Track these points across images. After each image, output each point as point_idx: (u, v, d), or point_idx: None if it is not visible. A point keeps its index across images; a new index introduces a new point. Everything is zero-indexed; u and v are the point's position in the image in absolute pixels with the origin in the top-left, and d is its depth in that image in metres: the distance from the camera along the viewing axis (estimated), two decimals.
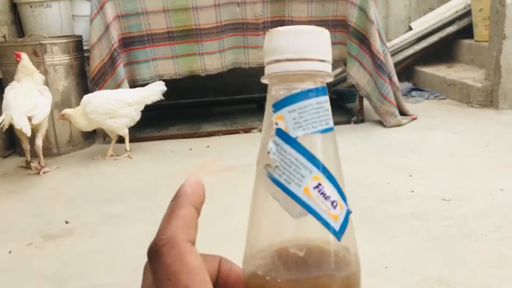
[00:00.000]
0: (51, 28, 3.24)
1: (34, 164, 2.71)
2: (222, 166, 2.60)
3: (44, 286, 1.59)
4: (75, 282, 1.60)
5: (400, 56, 4.07)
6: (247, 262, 0.28)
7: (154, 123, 3.43)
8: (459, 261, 1.60)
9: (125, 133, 2.80)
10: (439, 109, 3.47)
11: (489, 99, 3.36)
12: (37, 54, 2.92)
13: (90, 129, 2.83)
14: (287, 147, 0.27)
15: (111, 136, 2.86)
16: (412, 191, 2.12)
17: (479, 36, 3.86)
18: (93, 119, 2.71)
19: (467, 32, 4.03)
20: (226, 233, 1.83)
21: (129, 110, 2.75)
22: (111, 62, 2.96)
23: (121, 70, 2.97)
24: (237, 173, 2.48)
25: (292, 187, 0.26)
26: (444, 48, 4.23)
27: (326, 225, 0.26)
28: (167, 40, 3.03)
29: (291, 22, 3.06)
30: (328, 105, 0.28)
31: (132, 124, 2.81)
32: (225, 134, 3.19)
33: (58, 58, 2.97)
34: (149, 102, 2.82)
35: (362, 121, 3.25)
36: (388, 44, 3.93)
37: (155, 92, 2.81)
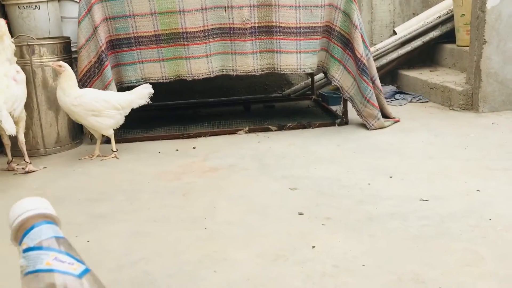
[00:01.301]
0: (39, 30, 3.26)
1: (15, 165, 2.71)
2: (208, 166, 2.64)
3: None
4: None
5: (384, 60, 4.14)
6: None
7: (141, 124, 3.46)
8: (435, 260, 1.65)
9: (110, 133, 2.83)
10: (421, 112, 3.54)
11: (469, 102, 3.44)
12: (25, 55, 2.94)
13: (64, 109, 2.78)
14: (30, 253, 0.47)
15: (96, 136, 2.88)
16: (392, 192, 2.17)
17: (461, 41, 3.94)
18: (76, 112, 2.70)
19: (450, 37, 4.11)
20: (211, 232, 1.87)
21: (115, 113, 2.78)
22: (99, 63, 2.99)
23: (108, 72, 2.99)
24: (223, 174, 2.52)
25: (37, 267, 0.45)
26: (427, 52, 4.31)
27: (66, 273, 0.46)
28: (154, 43, 3.05)
29: (279, 28, 3.09)
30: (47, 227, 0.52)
31: (116, 127, 2.83)
32: (212, 135, 3.23)
33: (46, 60, 2.99)
34: (135, 106, 2.84)
35: (346, 123, 3.30)
36: (373, 48, 4.00)
37: (142, 95, 2.83)
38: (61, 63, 2.70)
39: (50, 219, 0.50)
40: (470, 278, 1.53)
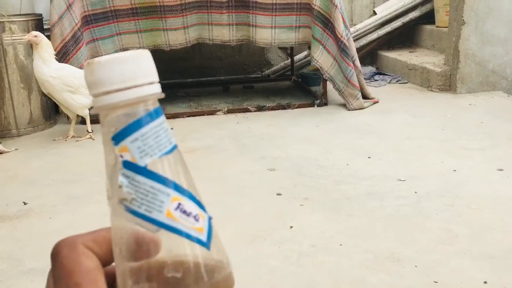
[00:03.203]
0: (10, 6, 3.15)
1: None
2: (185, 147, 2.61)
3: (0, 267, 1.58)
4: (32, 263, 1.59)
5: (364, 41, 4.12)
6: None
7: None
8: (410, 239, 1.66)
9: (85, 113, 2.76)
10: (400, 93, 3.55)
11: (447, 83, 3.46)
12: None
13: (40, 80, 2.67)
14: (139, 177, 0.27)
15: (70, 116, 2.81)
16: (370, 172, 2.18)
17: (440, 22, 3.94)
18: (53, 85, 2.61)
19: (429, 17, 4.11)
20: None
21: (88, 94, 2.70)
22: (74, 41, 2.91)
23: (83, 51, 2.93)
24: (201, 155, 2.49)
25: (154, 215, 0.27)
26: (407, 33, 4.31)
27: (195, 240, 0.28)
28: (131, 16, 3.04)
29: (256, 4, 3.06)
30: (166, 124, 0.29)
31: (86, 108, 2.74)
32: (190, 116, 3.19)
33: (18, 37, 2.90)
34: None
35: (326, 104, 3.29)
36: (353, 29, 3.98)
37: None
38: (37, 33, 2.61)
39: (158, 105, 0.29)
40: (445, 256, 1.55)
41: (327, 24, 3.08)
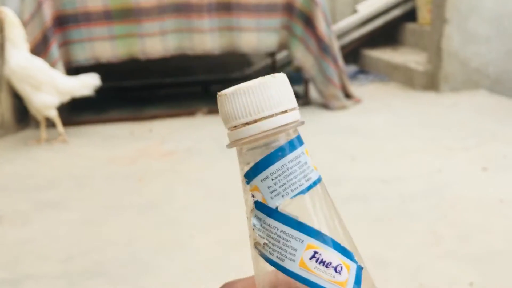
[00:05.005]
0: None
1: None
2: (165, 150, 2.54)
3: None
4: (2, 272, 1.52)
5: (346, 39, 4.09)
6: None
7: (93, 106, 3.29)
8: (395, 241, 1.62)
9: (51, 114, 2.65)
10: (383, 92, 3.52)
11: (431, 82, 3.44)
12: None
13: (7, 64, 2.56)
14: (270, 221, 0.24)
15: (38, 117, 2.70)
16: (354, 174, 2.14)
17: (422, 19, 3.93)
18: (17, 73, 2.50)
19: (412, 15, 4.10)
20: (169, 217, 1.80)
21: (54, 92, 2.59)
22: (44, 41, 2.81)
23: (54, 50, 2.82)
24: (181, 157, 2.44)
25: (287, 264, 0.24)
26: (390, 31, 4.29)
27: None
28: (104, 19, 2.90)
29: (238, 5, 2.99)
30: (305, 157, 0.25)
31: (50, 109, 2.63)
32: (169, 117, 3.12)
33: None
34: (77, 94, 2.67)
35: (308, 103, 3.25)
36: (335, 27, 3.95)
37: (86, 85, 2.66)
38: (3, 8, 2.50)
39: (296, 135, 0.27)
40: (430, 258, 1.52)
41: (309, 22, 3.04)
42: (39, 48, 2.81)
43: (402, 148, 2.42)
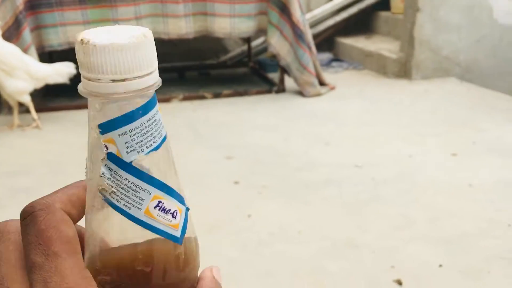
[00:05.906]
0: None
1: None
2: None
3: None
4: None
5: (321, 27, 4.11)
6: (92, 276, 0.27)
7: (67, 91, 3.23)
8: (368, 225, 1.67)
9: (25, 100, 2.58)
10: (357, 79, 3.56)
11: (403, 70, 3.50)
12: None
13: None
14: (122, 173, 0.26)
15: (11, 103, 2.64)
16: (328, 159, 2.17)
17: (395, 8, 3.98)
18: None
19: (385, 4, 4.14)
20: None
21: (26, 78, 2.53)
22: (16, 25, 2.74)
23: (27, 35, 2.75)
24: None
25: (133, 211, 0.26)
26: (364, 19, 4.33)
27: (169, 237, 0.27)
28: (78, 4, 2.84)
29: None
30: (159, 115, 0.26)
31: (23, 95, 2.57)
32: None
33: None
34: (51, 82, 2.62)
35: (283, 90, 3.27)
36: (310, 15, 3.96)
37: (61, 72, 2.61)
38: None
39: (153, 95, 0.26)
40: (402, 241, 1.56)
41: (284, 9, 3.04)
42: (11, 33, 2.74)
43: (375, 134, 2.47)
